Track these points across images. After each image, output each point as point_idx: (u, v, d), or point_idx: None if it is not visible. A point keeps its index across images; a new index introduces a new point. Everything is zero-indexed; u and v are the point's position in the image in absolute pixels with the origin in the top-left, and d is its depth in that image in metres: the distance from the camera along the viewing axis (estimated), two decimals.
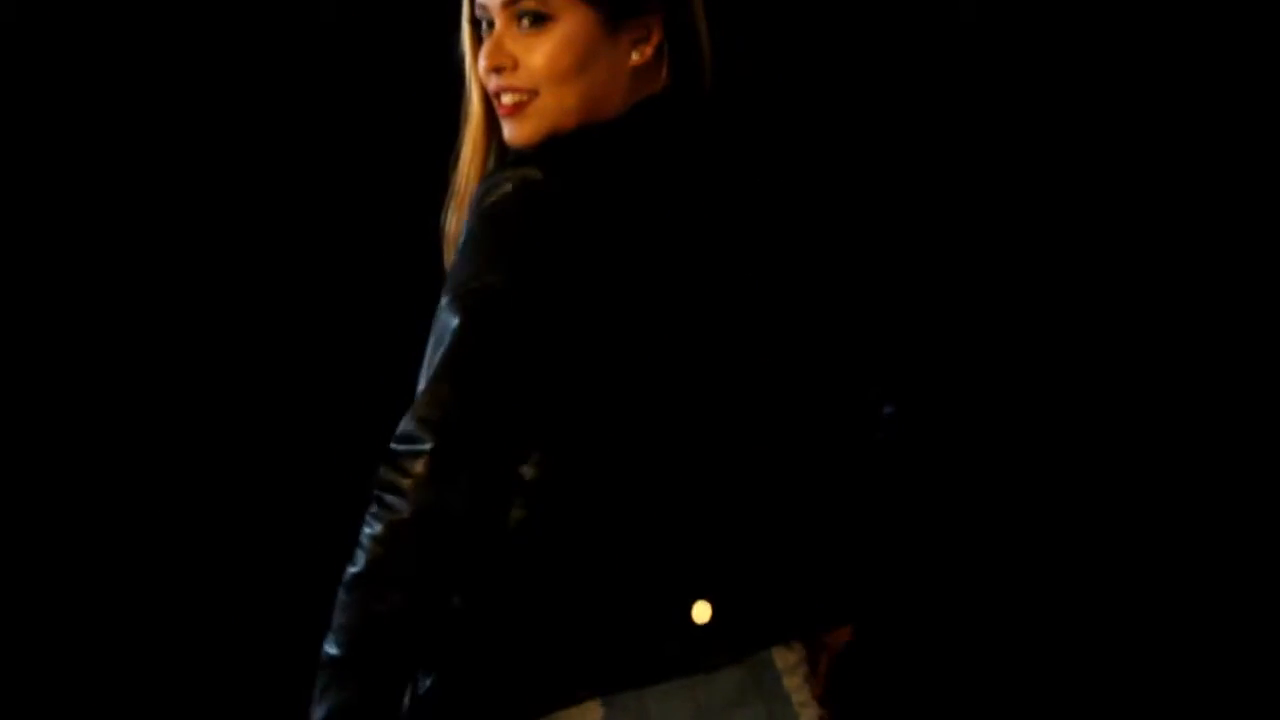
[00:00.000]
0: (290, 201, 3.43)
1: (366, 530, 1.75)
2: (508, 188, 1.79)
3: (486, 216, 1.78)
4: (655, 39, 1.91)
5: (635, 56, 1.91)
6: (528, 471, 1.79)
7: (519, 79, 1.87)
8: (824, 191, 2.07)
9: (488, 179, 1.82)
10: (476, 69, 1.92)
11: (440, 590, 1.75)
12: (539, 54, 1.86)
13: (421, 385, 1.77)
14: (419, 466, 1.72)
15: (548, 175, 1.79)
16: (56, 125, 3.37)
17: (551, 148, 1.84)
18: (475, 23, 1.92)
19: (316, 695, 1.77)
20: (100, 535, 3.39)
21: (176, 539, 3.40)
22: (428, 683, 1.81)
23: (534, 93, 1.87)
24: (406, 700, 1.81)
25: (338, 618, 1.77)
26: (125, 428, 3.40)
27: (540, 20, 1.86)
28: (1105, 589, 3.56)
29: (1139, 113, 3.47)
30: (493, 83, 1.89)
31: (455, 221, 1.92)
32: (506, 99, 1.89)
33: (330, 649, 1.77)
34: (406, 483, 1.73)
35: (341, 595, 1.76)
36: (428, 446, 1.72)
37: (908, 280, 3.22)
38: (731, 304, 1.89)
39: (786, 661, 1.94)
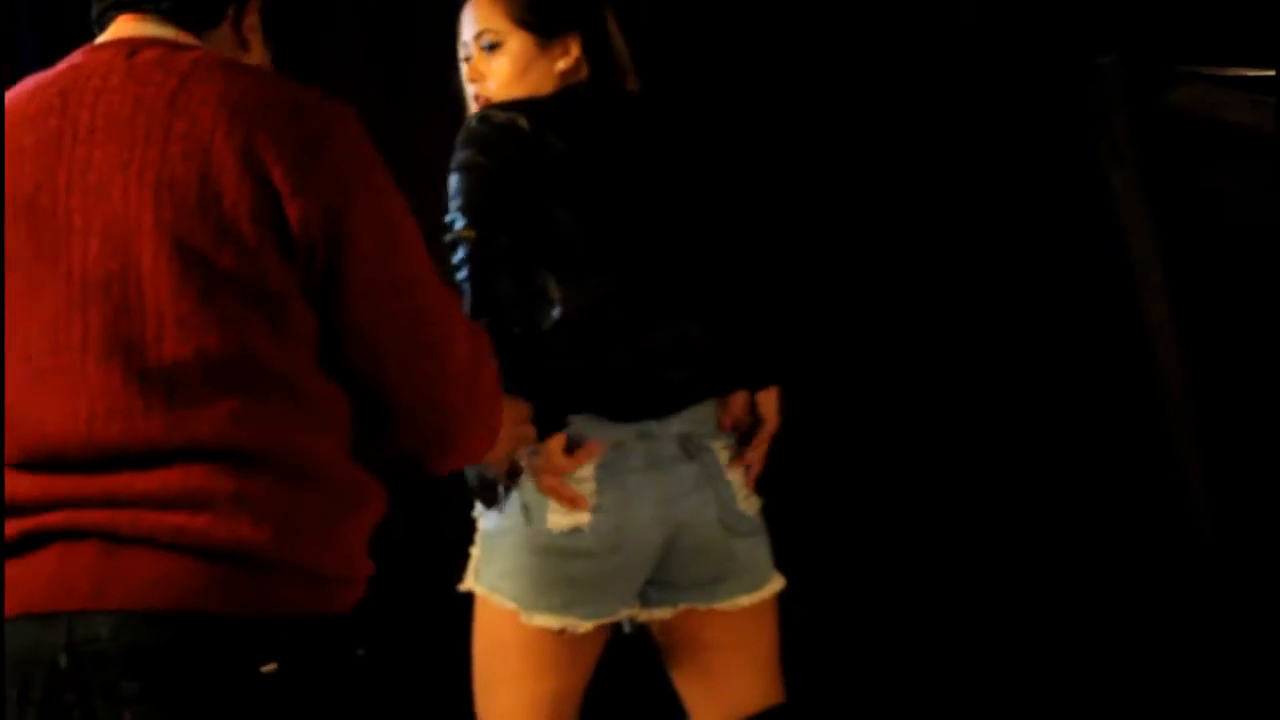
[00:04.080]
0: None
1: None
2: (470, 121, 2.73)
3: (459, 139, 2.73)
4: (574, 51, 2.80)
5: (560, 64, 2.80)
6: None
7: (484, 88, 2.82)
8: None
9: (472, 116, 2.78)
10: (465, 80, 2.89)
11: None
12: (495, 69, 2.80)
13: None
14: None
15: (496, 108, 2.74)
16: None
17: (504, 101, 2.77)
18: (465, 56, 2.89)
19: None
20: None
21: None
22: None
23: (492, 95, 2.79)
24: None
25: None
26: None
27: (494, 46, 2.80)
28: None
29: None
30: (470, 89, 2.84)
31: None
32: (477, 98, 2.83)
33: None
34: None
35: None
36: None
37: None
38: (633, 183, 2.75)
39: (727, 459, 2.76)
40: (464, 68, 2.85)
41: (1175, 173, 3.45)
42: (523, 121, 2.69)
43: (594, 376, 2.69)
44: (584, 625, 2.66)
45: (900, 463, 3.70)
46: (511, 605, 2.67)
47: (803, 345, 3.01)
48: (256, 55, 2.13)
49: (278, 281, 1.93)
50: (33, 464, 1.94)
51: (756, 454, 2.80)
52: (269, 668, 1.90)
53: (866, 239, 3.64)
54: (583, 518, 2.66)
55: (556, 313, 2.67)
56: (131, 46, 2.01)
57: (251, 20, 2.12)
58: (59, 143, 1.96)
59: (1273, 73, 3.29)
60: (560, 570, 2.65)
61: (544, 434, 2.64)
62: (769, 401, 2.81)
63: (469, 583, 2.72)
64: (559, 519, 2.65)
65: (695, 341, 2.74)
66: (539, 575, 2.66)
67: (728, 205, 2.83)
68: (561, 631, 2.66)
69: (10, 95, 2.03)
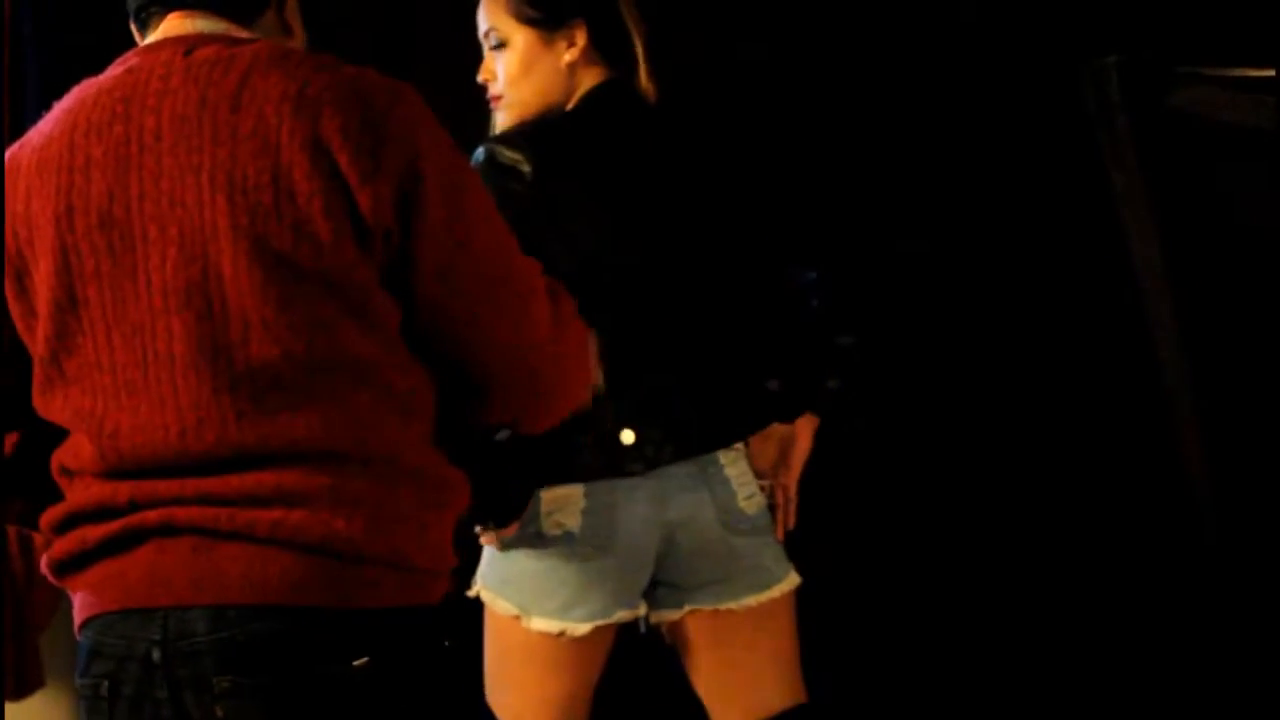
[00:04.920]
0: None
1: None
2: (479, 154, 2.69)
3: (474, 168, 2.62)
4: (581, 42, 2.76)
5: (567, 57, 2.76)
6: None
7: (494, 86, 2.81)
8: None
9: (481, 146, 2.71)
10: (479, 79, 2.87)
11: None
12: (503, 67, 2.78)
13: None
14: None
15: (503, 145, 2.70)
16: None
17: (514, 130, 2.75)
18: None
19: None
20: None
21: None
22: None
23: (502, 94, 2.79)
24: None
25: None
26: None
27: (500, 45, 2.78)
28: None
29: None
30: (488, 89, 2.82)
31: None
32: (491, 97, 2.83)
33: None
34: None
35: None
36: None
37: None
38: (643, 225, 2.73)
39: (728, 457, 2.78)
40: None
41: (1178, 173, 3.45)
42: (526, 168, 2.66)
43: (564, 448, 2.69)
44: (582, 628, 2.69)
45: (905, 465, 3.71)
46: (513, 610, 2.72)
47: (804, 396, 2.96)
48: (299, 40, 2.14)
49: (358, 273, 1.94)
50: (123, 472, 1.97)
51: (788, 510, 2.85)
52: (361, 662, 1.92)
53: (866, 241, 3.65)
54: (573, 521, 2.69)
55: None
56: (187, 44, 2.02)
57: (292, 5, 2.14)
58: (127, 150, 1.96)
59: (1274, 73, 3.29)
60: (556, 574, 2.70)
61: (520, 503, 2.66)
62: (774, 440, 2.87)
63: (476, 588, 2.77)
64: (551, 523, 2.69)
65: (676, 399, 2.73)
66: (537, 579, 2.70)
67: (732, 232, 2.81)
68: (561, 634, 2.70)
69: (72, 104, 2.04)
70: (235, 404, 1.93)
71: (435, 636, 2.03)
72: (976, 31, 3.69)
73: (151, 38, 2.07)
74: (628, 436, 2.69)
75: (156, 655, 1.94)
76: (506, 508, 2.66)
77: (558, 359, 2.10)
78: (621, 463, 2.70)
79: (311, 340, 1.93)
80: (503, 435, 2.52)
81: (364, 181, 1.92)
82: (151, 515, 1.96)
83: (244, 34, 2.06)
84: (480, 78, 2.81)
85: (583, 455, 2.69)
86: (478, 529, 2.71)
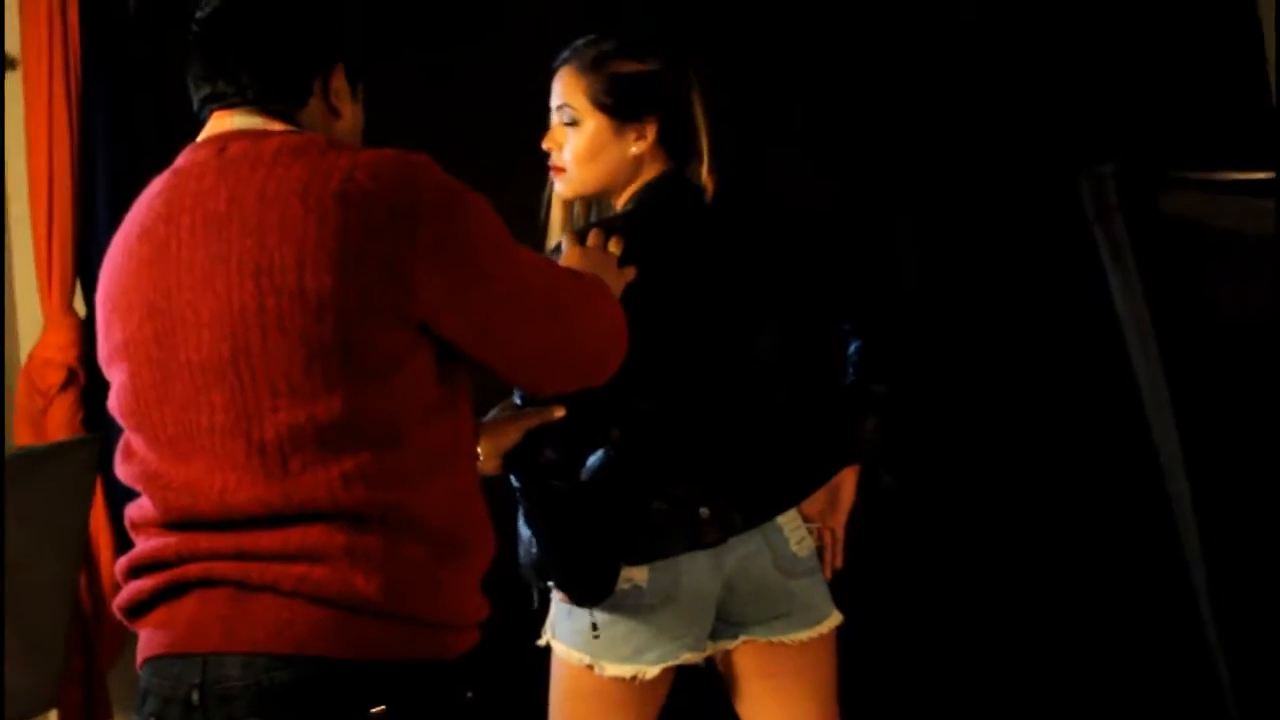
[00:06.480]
0: None
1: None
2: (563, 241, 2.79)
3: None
4: (650, 136, 2.87)
5: (634, 149, 2.87)
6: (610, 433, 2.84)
7: (559, 158, 2.87)
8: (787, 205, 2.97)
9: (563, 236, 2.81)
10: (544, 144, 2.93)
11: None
12: (571, 144, 2.87)
13: None
14: None
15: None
16: None
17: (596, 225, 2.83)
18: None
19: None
20: None
21: None
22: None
23: (566, 168, 2.86)
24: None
25: None
26: None
27: (573, 122, 2.86)
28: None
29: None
30: (551, 157, 2.88)
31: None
32: (553, 167, 2.88)
33: None
34: None
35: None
36: None
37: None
38: (701, 313, 2.85)
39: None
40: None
41: (1172, 274, 3.59)
42: None
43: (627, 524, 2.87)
44: (652, 670, 2.89)
45: (927, 509, 3.88)
46: (586, 660, 2.89)
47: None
48: (348, 119, 2.30)
49: (384, 343, 2.11)
50: (175, 524, 2.15)
51: (836, 551, 3.04)
52: (377, 710, 2.07)
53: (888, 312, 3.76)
54: (641, 575, 2.87)
55: (596, 460, 2.85)
56: (222, 143, 2.21)
57: (337, 85, 2.28)
58: (167, 249, 2.17)
59: (1262, 175, 3.43)
60: (626, 624, 2.88)
61: (607, 580, 2.84)
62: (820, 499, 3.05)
63: (547, 637, 2.96)
64: (620, 579, 2.87)
65: (729, 478, 2.89)
66: (608, 630, 2.88)
67: (782, 307, 2.92)
68: (633, 678, 2.88)
69: (135, 209, 2.25)
70: (265, 466, 2.10)
71: (454, 688, 2.16)
72: (988, 143, 3.87)
73: (203, 134, 2.27)
74: (703, 513, 2.87)
75: (195, 697, 2.10)
76: (604, 589, 2.86)
77: (603, 353, 2.41)
78: (698, 537, 2.87)
79: (332, 406, 2.08)
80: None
81: (387, 260, 2.09)
82: (194, 569, 2.13)
83: (277, 126, 2.22)
84: (545, 145, 2.90)
85: (661, 535, 2.86)
86: (560, 595, 2.92)
